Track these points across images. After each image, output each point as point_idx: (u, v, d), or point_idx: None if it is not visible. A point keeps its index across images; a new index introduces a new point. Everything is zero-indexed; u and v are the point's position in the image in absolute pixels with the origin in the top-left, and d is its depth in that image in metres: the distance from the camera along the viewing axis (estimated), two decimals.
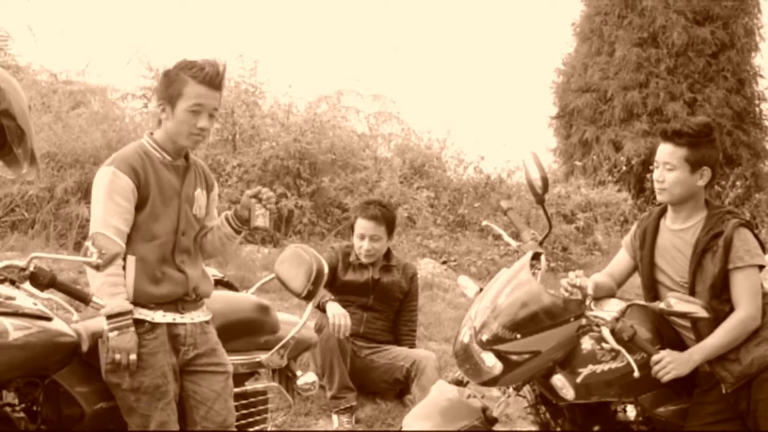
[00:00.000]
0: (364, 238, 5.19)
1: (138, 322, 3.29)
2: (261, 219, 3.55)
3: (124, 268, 3.27)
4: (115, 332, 3.20)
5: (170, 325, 3.38)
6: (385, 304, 5.31)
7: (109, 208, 3.25)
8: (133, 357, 3.22)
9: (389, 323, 5.38)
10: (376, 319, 5.30)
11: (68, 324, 3.28)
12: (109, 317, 3.21)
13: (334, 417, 5.01)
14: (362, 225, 5.20)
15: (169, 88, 3.36)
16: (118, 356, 3.21)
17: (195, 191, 3.51)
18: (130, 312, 3.25)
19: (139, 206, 3.33)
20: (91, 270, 3.16)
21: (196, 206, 3.51)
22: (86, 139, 8.48)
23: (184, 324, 3.42)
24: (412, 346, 5.37)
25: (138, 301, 3.31)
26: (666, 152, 3.70)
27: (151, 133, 3.46)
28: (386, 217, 5.22)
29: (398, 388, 5.29)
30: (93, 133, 8.63)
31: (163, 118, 3.40)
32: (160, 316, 3.35)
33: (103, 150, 8.30)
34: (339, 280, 5.19)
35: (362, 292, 5.24)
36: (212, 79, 3.36)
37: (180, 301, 3.42)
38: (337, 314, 4.87)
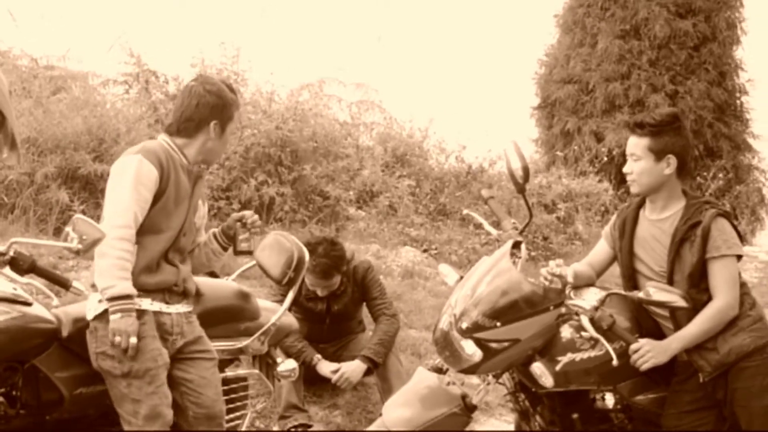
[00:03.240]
0: (316, 287, 5.08)
1: None
2: (245, 243, 3.69)
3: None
4: (118, 314, 3.18)
5: (156, 314, 3.39)
6: (341, 323, 5.30)
7: (133, 196, 3.27)
8: (133, 340, 3.20)
9: (352, 318, 5.38)
10: (337, 325, 5.29)
11: (48, 309, 3.27)
12: (114, 299, 3.19)
13: None
14: (312, 281, 5.04)
15: (226, 109, 3.52)
16: (118, 338, 3.19)
17: (198, 201, 3.60)
18: (133, 297, 3.24)
19: (156, 199, 3.35)
20: (102, 249, 3.14)
21: (197, 215, 3.60)
22: (67, 124, 8.42)
23: (170, 314, 3.44)
24: (393, 315, 5.28)
25: None
26: (632, 144, 3.74)
27: (169, 134, 3.52)
28: (336, 265, 5.02)
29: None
30: (74, 118, 8.55)
31: (212, 136, 3.50)
32: (147, 304, 3.36)
33: (84, 136, 8.25)
34: (298, 299, 5.09)
35: (318, 319, 5.20)
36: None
37: (167, 292, 3.44)
38: (342, 373, 4.98)
